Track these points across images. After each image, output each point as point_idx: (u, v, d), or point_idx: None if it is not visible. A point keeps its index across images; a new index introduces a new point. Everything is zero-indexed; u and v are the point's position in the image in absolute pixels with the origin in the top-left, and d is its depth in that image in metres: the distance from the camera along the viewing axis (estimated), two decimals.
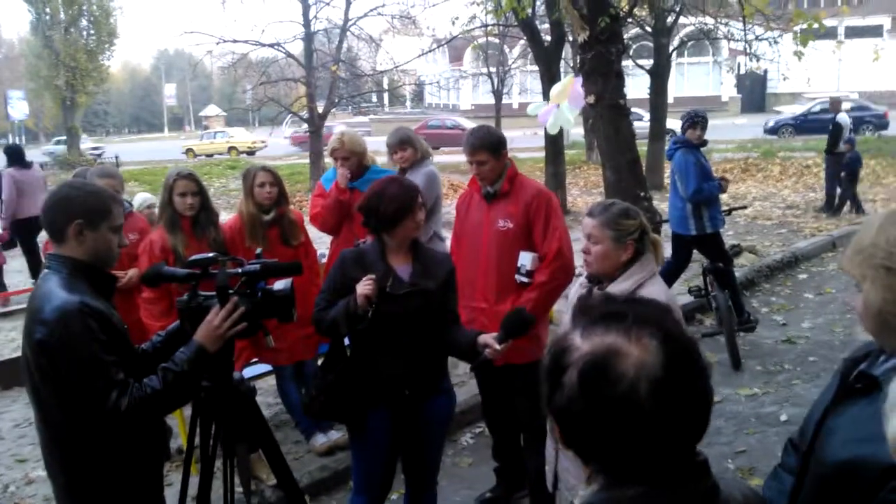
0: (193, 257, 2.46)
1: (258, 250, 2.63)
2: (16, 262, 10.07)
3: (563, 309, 2.90)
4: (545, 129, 10.81)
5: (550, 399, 1.12)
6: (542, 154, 13.76)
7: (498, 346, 2.81)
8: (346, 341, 3.08)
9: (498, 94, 25.43)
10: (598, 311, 1.14)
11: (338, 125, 5.61)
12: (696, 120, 6.12)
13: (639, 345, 1.06)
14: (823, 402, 1.60)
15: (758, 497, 1.28)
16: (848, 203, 11.69)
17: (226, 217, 4.42)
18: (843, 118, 11.97)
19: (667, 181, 9.64)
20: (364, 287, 2.79)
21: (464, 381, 5.10)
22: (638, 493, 1.08)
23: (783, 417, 4.79)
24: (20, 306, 7.64)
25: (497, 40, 22.97)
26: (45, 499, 4.07)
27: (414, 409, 3.00)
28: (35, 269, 9.36)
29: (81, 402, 2.12)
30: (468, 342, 2.93)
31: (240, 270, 2.44)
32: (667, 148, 7.51)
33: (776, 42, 15.37)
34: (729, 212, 6.70)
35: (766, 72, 32.94)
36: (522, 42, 21.90)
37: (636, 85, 15.38)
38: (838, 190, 11.72)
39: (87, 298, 2.15)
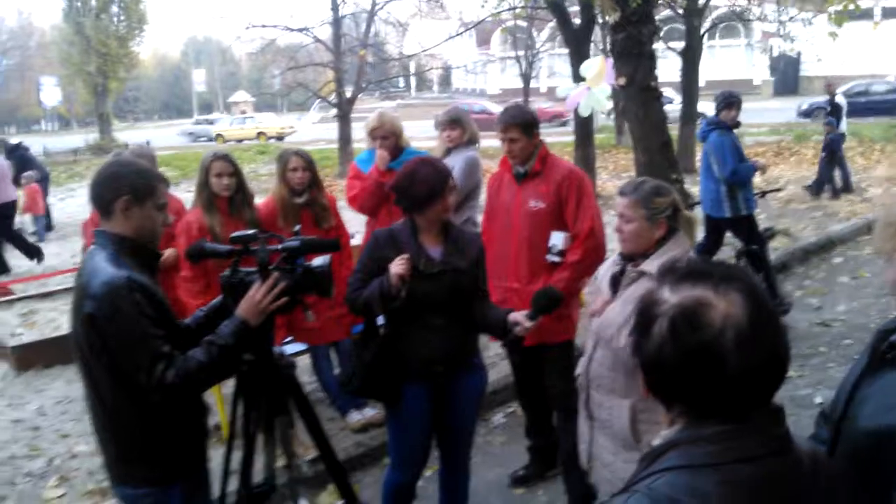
0: (235, 234, 2.51)
1: (296, 227, 2.68)
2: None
3: (591, 290, 2.92)
4: (574, 112, 10.76)
5: (640, 348, 1.22)
6: (571, 138, 13.68)
7: (528, 324, 2.84)
8: (380, 320, 3.12)
9: (526, 78, 25.27)
10: (685, 268, 1.23)
11: (382, 108, 5.72)
12: (731, 101, 6.06)
13: (726, 298, 1.15)
14: (855, 372, 1.62)
15: (821, 450, 1.34)
16: (827, 185, 11.60)
17: (257, 202, 4.48)
18: (842, 100, 12.03)
19: (698, 164, 9.56)
20: (398, 266, 2.83)
21: (495, 362, 5.13)
22: (718, 431, 1.16)
23: (818, 400, 4.75)
24: (58, 287, 7.81)
25: (525, 23, 22.81)
26: (88, 472, 4.19)
27: (447, 386, 3.04)
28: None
29: (129, 374, 2.18)
30: (499, 320, 2.96)
31: (280, 247, 2.49)
32: (698, 130, 7.44)
33: (810, 23, 15.10)
34: (763, 194, 6.63)
35: (799, 54, 32.34)
36: (551, 24, 21.77)
37: (667, 68, 15.20)
38: (837, 171, 11.65)
39: (134, 273, 2.21)
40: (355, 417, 4.49)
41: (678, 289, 1.19)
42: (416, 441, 3.10)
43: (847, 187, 11.67)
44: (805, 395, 4.86)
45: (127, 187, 2.27)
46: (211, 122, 40.28)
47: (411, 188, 2.92)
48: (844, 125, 11.90)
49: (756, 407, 1.18)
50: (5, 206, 9.93)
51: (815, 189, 11.52)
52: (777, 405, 1.22)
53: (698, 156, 8.85)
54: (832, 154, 11.41)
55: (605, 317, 2.65)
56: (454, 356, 3.04)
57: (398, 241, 2.99)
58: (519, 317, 2.86)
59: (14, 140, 14.65)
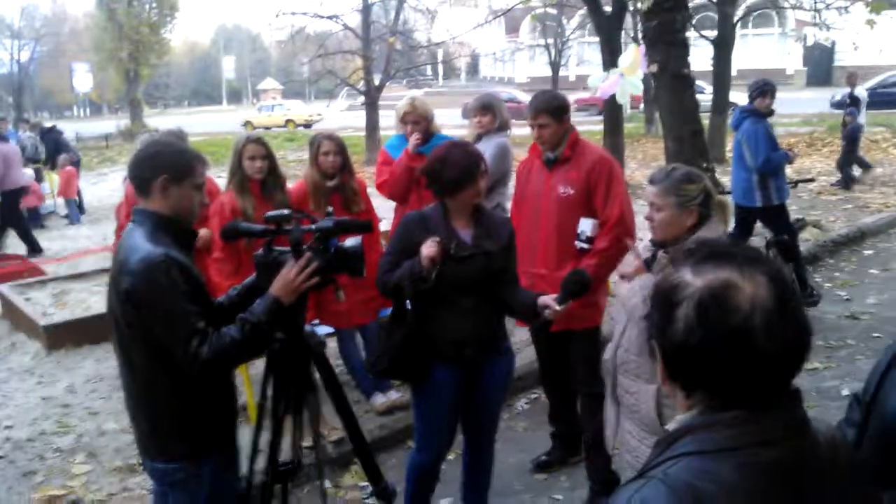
0: (269, 213, 2.55)
1: (329, 208, 2.71)
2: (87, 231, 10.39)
3: (619, 277, 2.92)
4: (605, 100, 10.67)
5: (662, 334, 1.18)
6: (600, 127, 13.58)
7: (557, 308, 2.84)
8: (408, 303, 3.14)
9: (555, 66, 25.10)
10: (705, 251, 1.20)
11: (412, 93, 5.73)
12: (765, 89, 6.01)
13: (752, 280, 1.13)
14: (887, 356, 1.61)
15: (840, 432, 1.32)
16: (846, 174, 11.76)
17: (287, 186, 4.52)
18: (862, 92, 12.20)
19: (728, 154, 9.46)
20: (429, 249, 2.84)
21: (519, 348, 5.12)
22: (735, 414, 1.14)
23: (844, 392, 4.70)
24: (92, 268, 7.94)
25: (555, 10, 22.65)
26: (115, 449, 4.26)
27: (476, 368, 3.06)
28: (25, 236, 9.88)
29: (165, 349, 2.23)
30: (528, 303, 2.96)
31: (313, 227, 2.53)
32: (730, 119, 7.37)
33: (846, 11, 14.82)
34: (795, 184, 6.55)
35: (833, 44, 31.73)
36: (581, 12, 21.59)
37: (699, 56, 14.96)
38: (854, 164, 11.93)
39: (171, 250, 2.25)
40: (380, 400, 4.53)
41: (701, 271, 1.15)
42: (442, 423, 3.13)
43: (865, 167, 12.04)
44: (832, 387, 4.81)
45: (166, 167, 2.31)
46: (272, 109, 40.18)
47: (443, 172, 2.93)
48: (863, 117, 11.99)
49: (776, 390, 1.16)
50: (15, 192, 9.87)
51: (844, 183, 11.52)
52: (794, 388, 1.20)
53: (729, 146, 8.75)
54: (852, 144, 11.60)
55: (632, 285, 2.65)
56: (483, 339, 3.05)
57: (429, 224, 3.00)
58: (548, 300, 2.86)
59: (48, 125, 14.89)
